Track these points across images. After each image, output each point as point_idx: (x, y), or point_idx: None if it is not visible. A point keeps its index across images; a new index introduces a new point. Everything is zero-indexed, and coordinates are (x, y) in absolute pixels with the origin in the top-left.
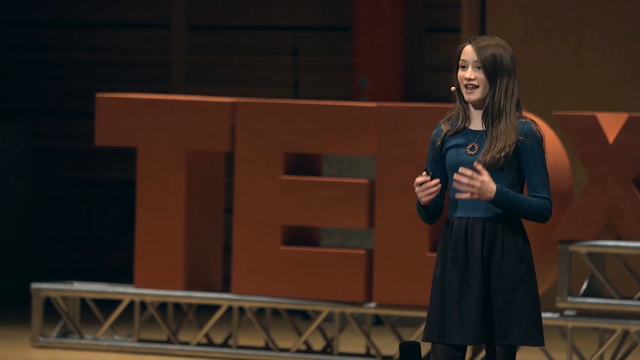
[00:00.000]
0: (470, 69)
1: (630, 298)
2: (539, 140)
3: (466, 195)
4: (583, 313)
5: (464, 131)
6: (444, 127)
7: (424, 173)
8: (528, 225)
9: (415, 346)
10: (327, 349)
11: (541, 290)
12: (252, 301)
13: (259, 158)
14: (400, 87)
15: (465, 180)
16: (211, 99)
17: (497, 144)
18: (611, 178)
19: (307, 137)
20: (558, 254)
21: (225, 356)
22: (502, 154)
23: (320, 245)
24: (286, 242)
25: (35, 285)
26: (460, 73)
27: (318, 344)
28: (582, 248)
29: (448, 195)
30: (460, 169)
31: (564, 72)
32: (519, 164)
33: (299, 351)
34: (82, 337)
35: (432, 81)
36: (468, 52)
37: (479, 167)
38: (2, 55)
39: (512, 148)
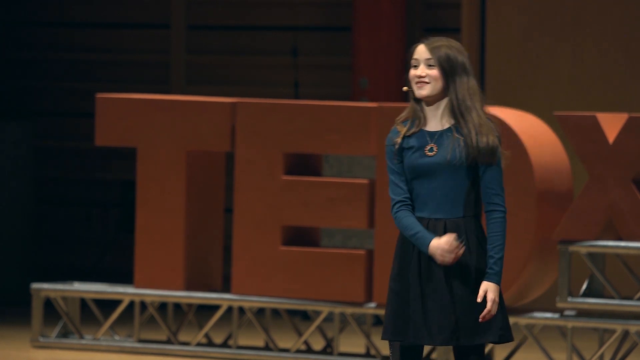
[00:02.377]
0: (421, 66)
1: (630, 298)
2: (498, 138)
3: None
4: (583, 313)
5: (420, 133)
6: (400, 129)
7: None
8: (528, 225)
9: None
10: (327, 349)
11: (541, 290)
12: (252, 301)
13: (259, 158)
14: (400, 87)
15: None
16: (211, 99)
17: (475, 137)
18: (611, 178)
19: (307, 137)
20: (558, 254)
21: (225, 356)
22: (483, 146)
23: (320, 246)
24: (286, 242)
25: (35, 285)
26: (412, 72)
27: (318, 344)
28: (582, 248)
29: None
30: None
31: (564, 72)
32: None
33: (299, 351)
34: (82, 337)
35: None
36: (420, 51)
37: (482, 292)
38: (2, 55)
39: (492, 142)
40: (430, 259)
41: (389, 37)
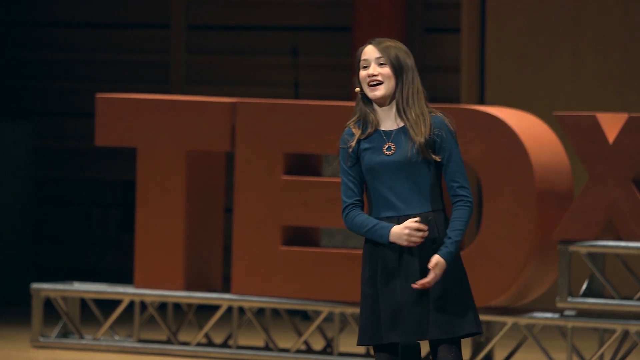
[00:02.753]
0: (373, 65)
1: (630, 298)
2: (451, 131)
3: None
4: (583, 313)
5: (376, 133)
6: (355, 131)
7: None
8: (528, 225)
9: (416, 347)
10: (327, 349)
11: (541, 290)
12: (252, 301)
13: (259, 158)
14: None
15: (422, 282)
16: (211, 99)
17: (418, 137)
18: (611, 178)
19: (307, 137)
20: (558, 254)
21: (225, 356)
22: (424, 144)
23: (320, 246)
24: (286, 242)
25: (35, 285)
26: (362, 73)
27: (318, 344)
28: (582, 248)
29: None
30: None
31: (564, 72)
32: (437, 155)
33: (299, 351)
34: (82, 337)
35: (432, 81)
36: (369, 51)
37: (432, 263)
38: (2, 55)
39: (430, 140)
40: (399, 257)
41: (389, 37)
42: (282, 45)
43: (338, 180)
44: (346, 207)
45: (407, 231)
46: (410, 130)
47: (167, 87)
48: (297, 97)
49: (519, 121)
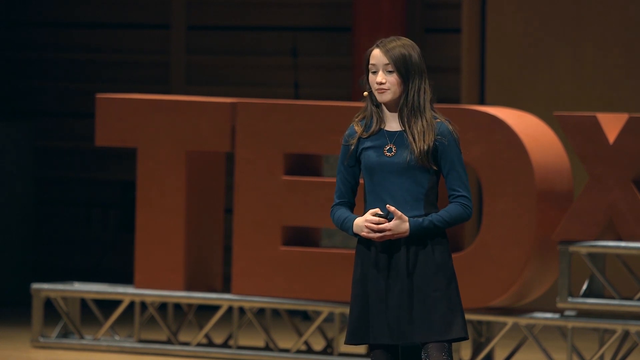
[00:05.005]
0: (380, 72)
1: (630, 298)
2: (455, 139)
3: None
4: (583, 313)
5: (380, 133)
6: (358, 129)
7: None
8: (528, 225)
9: (416, 347)
10: (328, 350)
11: (541, 290)
12: (252, 301)
13: (259, 158)
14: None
15: (375, 227)
16: (211, 99)
17: (419, 143)
18: (611, 178)
19: (307, 137)
20: (558, 254)
21: (226, 356)
22: (425, 152)
23: (320, 246)
24: (286, 242)
25: (35, 286)
26: (372, 77)
27: (318, 344)
28: (582, 248)
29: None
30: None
31: (564, 72)
32: (438, 163)
33: (299, 351)
34: (82, 337)
35: (432, 81)
36: (377, 56)
37: (392, 208)
38: (2, 55)
39: (432, 147)
40: (388, 259)
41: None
42: (282, 45)
43: None
44: (333, 205)
45: (366, 223)
46: (412, 138)
47: (167, 87)
48: (297, 97)
49: (519, 121)
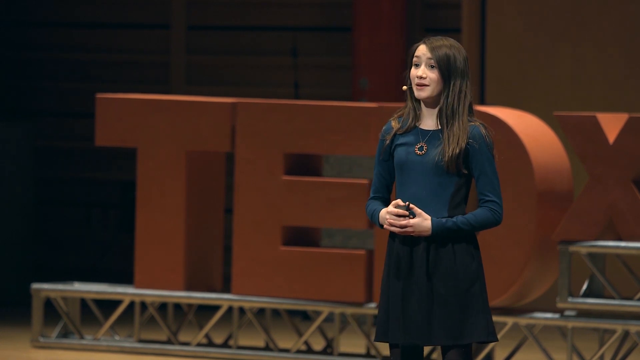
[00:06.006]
0: (422, 66)
1: (630, 298)
2: (487, 143)
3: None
4: (583, 313)
5: (414, 130)
6: (394, 125)
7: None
8: (528, 225)
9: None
10: (328, 350)
11: (541, 290)
12: (252, 301)
13: (259, 158)
14: (401, 87)
15: (396, 222)
16: (211, 99)
17: (452, 146)
18: (611, 178)
19: (307, 137)
20: (558, 254)
21: (226, 356)
22: (456, 156)
23: (320, 246)
24: (286, 242)
25: (35, 286)
26: (413, 71)
27: (318, 344)
28: (583, 248)
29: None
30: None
31: (564, 72)
32: (468, 167)
33: (299, 352)
34: (82, 337)
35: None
36: (422, 50)
37: (413, 207)
38: (2, 55)
39: (463, 151)
40: (410, 259)
41: (389, 37)
42: (282, 45)
43: (338, 180)
44: (368, 200)
45: (387, 215)
46: (446, 142)
47: (167, 87)
48: (297, 97)
49: (519, 121)
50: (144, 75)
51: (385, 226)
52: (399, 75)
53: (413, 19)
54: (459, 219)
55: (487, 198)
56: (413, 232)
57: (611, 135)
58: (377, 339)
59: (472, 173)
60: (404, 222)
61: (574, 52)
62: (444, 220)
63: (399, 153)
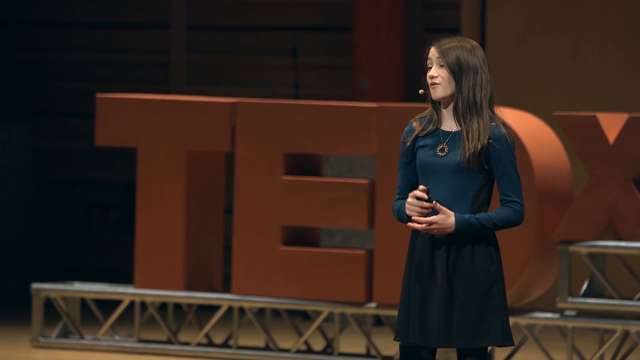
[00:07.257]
0: (434, 67)
1: (630, 298)
2: (508, 143)
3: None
4: (583, 313)
5: (436, 132)
6: (416, 126)
7: (426, 190)
8: (528, 225)
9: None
10: (328, 350)
11: (541, 290)
12: (252, 301)
13: (259, 158)
14: (400, 87)
15: (422, 220)
16: (211, 99)
17: (473, 142)
18: (611, 178)
19: (307, 137)
20: (558, 254)
21: (226, 356)
22: (477, 153)
23: (320, 246)
24: (286, 242)
25: (35, 286)
26: (427, 74)
27: (318, 344)
28: (583, 248)
29: None
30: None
31: (564, 72)
32: (490, 166)
33: (299, 351)
34: (82, 337)
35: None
36: (432, 52)
37: (438, 205)
38: (2, 55)
39: (484, 149)
40: (431, 261)
41: (389, 37)
42: (282, 45)
43: (338, 180)
44: (394, 201)
45: (410, 200)
46: (465, 138)
47: (167, 87)
48: (297, 97)
49: (519, 121)
50: (144, 75)
51: (409, 224)
52: (399, 75)
53: (413, 19)
54: (482, 216)
55: (509, 198)
56: (438, 228)
57: (611, 135)
58: (397, 338)
59: (494, 174)
60: (428, 219)
61: (574, 52)
62: (466, 216)
63: (421, 155)
